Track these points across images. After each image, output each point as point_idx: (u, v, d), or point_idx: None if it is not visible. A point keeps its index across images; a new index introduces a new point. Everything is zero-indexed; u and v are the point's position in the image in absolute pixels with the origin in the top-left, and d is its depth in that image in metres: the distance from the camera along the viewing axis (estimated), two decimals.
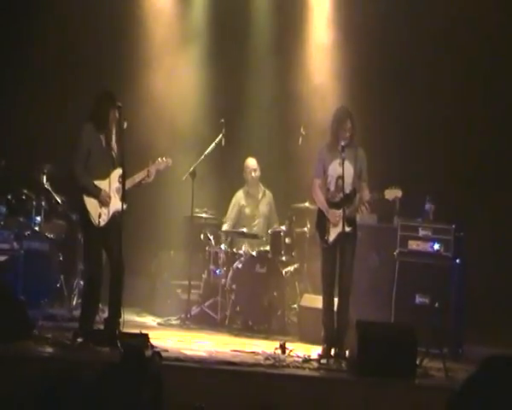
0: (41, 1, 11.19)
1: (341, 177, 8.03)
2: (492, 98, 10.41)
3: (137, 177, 8.08)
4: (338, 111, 8.34)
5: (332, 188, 8.27)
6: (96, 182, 7.86)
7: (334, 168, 8.20)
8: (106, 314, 8.12)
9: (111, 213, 7.90)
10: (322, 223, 8.27)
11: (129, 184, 7.94)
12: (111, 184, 7.91)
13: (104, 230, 7.85)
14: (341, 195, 8.06)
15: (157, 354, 5.76)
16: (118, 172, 7.92)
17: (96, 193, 7.84)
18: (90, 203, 7.84)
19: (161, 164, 8.32)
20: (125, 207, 7.75)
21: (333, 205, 8.20)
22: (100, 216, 7.81)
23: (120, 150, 7.89)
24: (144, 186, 8.24)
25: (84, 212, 7.86)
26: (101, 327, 8.04)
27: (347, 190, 8.12)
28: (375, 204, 8.21)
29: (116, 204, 7.89)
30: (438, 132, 10.66)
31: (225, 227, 10.75)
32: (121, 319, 7.75)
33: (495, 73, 10.54)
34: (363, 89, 10.64)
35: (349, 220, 8.06)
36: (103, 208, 7.85)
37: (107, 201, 7.85)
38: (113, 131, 7.95)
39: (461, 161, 10.55)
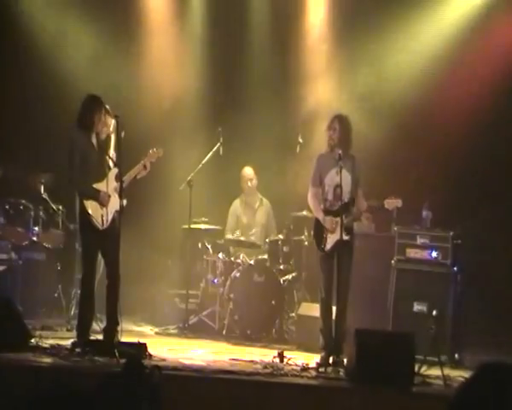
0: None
1: (339, 186, 8.05)
2: (491, 104, 10.42)
3: (134, 171, 8.17)
4: (331, 119, 8.40)
5: (330, 197, 8.28)
6: (94, 185, 7.92)
7: (332, 177, 8.21)
8: (104, 324, 8.14)
9: (111, 213, 7.94)
10: (319, 231, 8.28)
11: (127, 180, 8.04)
12: (109, 184, 7.97)
13: (103, 232, 7.88)
14: (340, 203, 8.08)
15: (156, 367, 5.75)
16: (114, 171, 8.01)
17: (96, 195, 7.90)
18: (92, 207, 7.90)
19: (153, 155, 8.41)
20: (125, 203, 7.83)
21: (331, 213, 8.21)
22: (102, 219, 7.85)
23: (118, 159, 7.95)
24: (142, 193, 8.32)
25: (86, 216, 7.89)
26: (100, 337, 8.04)
27: (346, 198, 8.14)
28: (374, 213, 8.22)
29: (115, 204, 7.94)
30: (435, 139, 10.66)
31: (227, 237, 10.75)
32: (119, 328, 7.78)
33: (493, 78, 10.56)
34: (363, 97, 10.64)
35: (347, 229, 8.07)
36: (104, 210, 7.89)
37: (106, 200, 7.89)
38: (111, 139, 8.06)
39: (458, 167, 10.56)
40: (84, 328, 7.91)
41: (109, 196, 7.93)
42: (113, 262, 7.85)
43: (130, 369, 3.92)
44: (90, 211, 7.88)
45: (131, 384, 3.73)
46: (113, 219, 7.97)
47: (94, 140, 8.00)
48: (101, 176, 7.98)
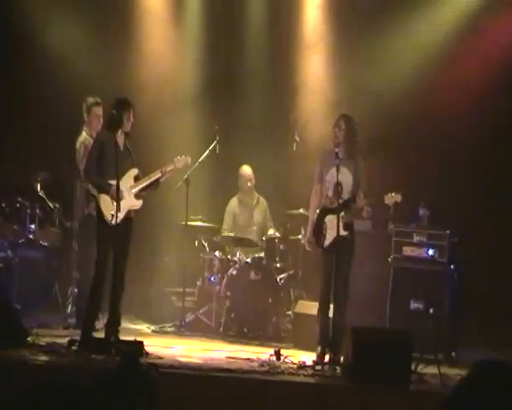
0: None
1: (338, 183, 8.06)
2: (488, 104, 10.44)
3: (150, 177, 8.24)
4: (337, 117, 8.41)
5: (330, 194, 8.27)
6: (111, 181, 7.98)
7: (333, 174, 8.19)
8: (105, 320, 8.17)
9: (124, 211, 7.95)
10: (318, 227, 8.28)
11: (144, 182, 8.19)
12: (125, 182, 8.06)
13: (115, 229, 7.90)
14: (339, 201, 8.08)
15: (153, 366, 5.75)
16: (133, 171, 8.15)
17: (107, 189, 7.95)
18: (104, 202, 7.96)
19: (181, 162, 8.45)
20: (140, 204, 8.12)
21: (330, 211, 8.20)
22: (113, 215, 7.86)
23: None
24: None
25: (100, 211, 7.97)
26: (97, 335, 8.06)
27: (345, 196, 8.14)
28: (372, 209, 8.22)
29: (130, 202, 8.06)
30: (432, 137, 10.66)
31: (224, 235, 10.74)
32: (119, 328, 7.88)
33: (488, 76, 10.57)
34: (361, 96, 10.63)
35: (346, 225, 8.07)
36: (115, 206, 7.89)
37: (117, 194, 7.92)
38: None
39: (454, 165, 10.56)
40: (90, 327, 7.93)
41: (121, 191, 7.94)
42: (122, 260, 7.99)
43: (127, 367, 3.92)
44: (101, 206, 7.96)
45: (128, 382, 3.73)
46: (127, 218, 8.02)
47: (120, 139, 8.08)
48: (120, 173, 7.99)
